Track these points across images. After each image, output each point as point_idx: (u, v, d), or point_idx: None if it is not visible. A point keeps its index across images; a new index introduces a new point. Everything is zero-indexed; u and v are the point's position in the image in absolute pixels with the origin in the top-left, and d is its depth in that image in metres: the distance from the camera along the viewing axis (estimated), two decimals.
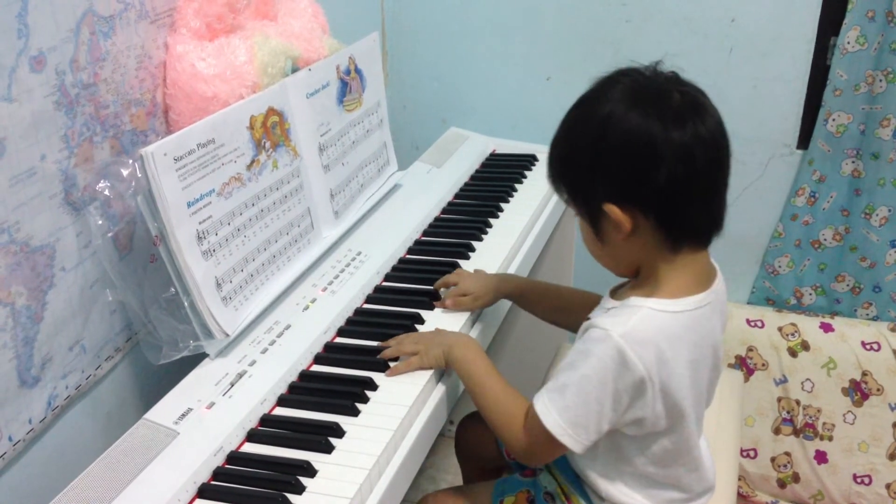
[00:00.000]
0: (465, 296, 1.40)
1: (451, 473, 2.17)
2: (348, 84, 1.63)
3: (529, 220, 1.73)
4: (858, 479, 2.05)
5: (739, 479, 2.10)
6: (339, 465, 1.07)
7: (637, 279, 1.13)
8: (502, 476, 1.47)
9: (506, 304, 1.53)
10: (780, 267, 2.14)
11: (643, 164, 1.03)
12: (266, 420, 1.16)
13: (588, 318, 1.15)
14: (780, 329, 2.08)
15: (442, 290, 1.45)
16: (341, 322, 1.37)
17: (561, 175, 1.14)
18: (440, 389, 1.24)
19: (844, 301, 2.12)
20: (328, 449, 1.10)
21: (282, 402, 1.20)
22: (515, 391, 1.19)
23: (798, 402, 2.08)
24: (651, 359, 1.04)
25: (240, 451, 1.11)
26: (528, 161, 2.02)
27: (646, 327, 1.05)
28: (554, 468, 1.29)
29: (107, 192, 1.19)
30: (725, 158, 1.07)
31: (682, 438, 1.13)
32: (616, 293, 1.16)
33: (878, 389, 2.02)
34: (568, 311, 1.37)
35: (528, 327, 2.07)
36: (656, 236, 1.06)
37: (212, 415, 1.14)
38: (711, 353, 1.13)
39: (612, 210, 1.05)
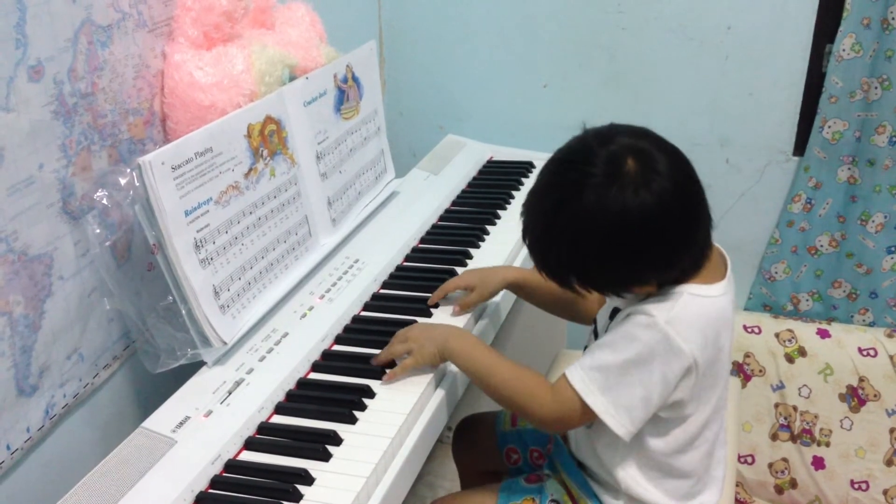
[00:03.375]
0: (469, 290, 1.40)
1: (450, 480, 2.17)
2: (345, 92, 1.64)
3: None
4: (856, 485, 2.06)
5: (737, 485, 2.10)
6: (336, 473, 1.07)
7: None
8: (501, 479, 1.47)
9: (504, 309, 1.53)
10: (776, 273, 2.15)
11: (651, 252, 1.06)
12: (264, 428, 1.16)
13: (618, 309, 1.17)
14: (777, 335, 2.09)
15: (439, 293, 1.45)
16: (339, 330, 1.38)
17: (566, 280, 1.14)
18: (438, 396, 1.25)
19: (841, 307, 2.12)
20: (326, 457, 1.10)
21: (279, 410, 1.20)
22: (524, 366, 1.20)
23: (795, 408, 2.09)
24: (697, 343, 1.08)
25: (237, 459, 1.11)
26: (526, 168, 2.03)
27: (689, 312, 1.09)
28: (564, 474, 1.29)
29: (105, 201, 1.20)
30: (694, 179, 1.10)
31: (704, 422, 1.16)
32: None
33: (875, 395, 2.02)
34: (568, 302, 1.38)
35: (526, 335, 2.08)
36: (683, 275, 1.11)
37: (209, 423, 1.14)
38: (732, 338, 1.17)
39: (640, 289, 1.11)
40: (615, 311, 1.18)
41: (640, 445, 1.16)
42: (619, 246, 1.06)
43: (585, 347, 1.28)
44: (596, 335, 1.25)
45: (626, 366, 1.08)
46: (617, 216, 1.04)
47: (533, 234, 1.13)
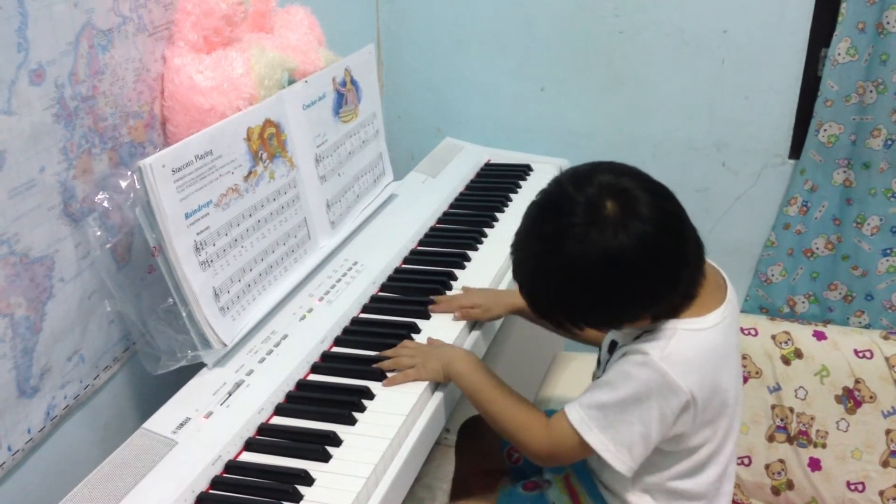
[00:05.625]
0: (474, 308, 1.41)
1: (448, 482, 2.17)
2: (344, 95, 1.64)
3: None
4: (852, 486, 2.06)
5: (734, 487, 2.11)
6: (336, 474, 1.08)
7: None
8: (500, 480, 1.48)
9: None
10: (773, 275, 2.16)
11: (638, 288, 1.06)
12: (264, 429, 1.17)
13: (615, 342, 1.18)
14: (773, 337, 2.10)
15: (436, 297, 1.46)
16: (338, 332, 1.38)
17: (556, 317, 1.15)
18: (437, 398, 1.25)
19: (837, 309, 2.13)
20: (325, 458, 1.11)
21: (279, 411, 1.21)
22: (523, 398, 1.22)
23: (792, 410, 2.09)
24: (693, 379, 1.08)
25: (238, 460, 1.12)
26: (523, 171, 2.04)
27: (684, 349, 1.09)
28: (572, 475, 1.30)
29: (105, 204, 1.20)
30: (677, 210, 1.09)
31: (716, 449, 1.16)
32: None
33: (871, 397, 2.03)
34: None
35: (524, 337, 2.08)
36: (676, 302, 1.10)
37: (210, 424, 1.14)
38: (736, 362, 1.17)
39: (636, 322, 1.11)
40: (613, 344, 1.19)
41: (648, 474, 1.17)
42: (605, 289, 1.06)
43: (594, 373, 1.29)
44: (599, 362, 1.26)
45: (624, 404, 1.09)
46: (600, 261, 1.04)
47: (521, 275, 1.14)
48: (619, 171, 1.09)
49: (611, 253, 1.03)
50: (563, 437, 1.13)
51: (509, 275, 1.61)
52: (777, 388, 2.10)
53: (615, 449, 1.10)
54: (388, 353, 1.29)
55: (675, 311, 1.10)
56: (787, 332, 2.09)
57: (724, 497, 1.24)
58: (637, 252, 1.03)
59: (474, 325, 1.44)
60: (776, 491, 2.12)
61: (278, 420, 1.19)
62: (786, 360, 2.09)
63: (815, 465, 2.08)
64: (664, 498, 1.19)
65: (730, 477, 1.23)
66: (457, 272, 1.57)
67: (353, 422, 1.17)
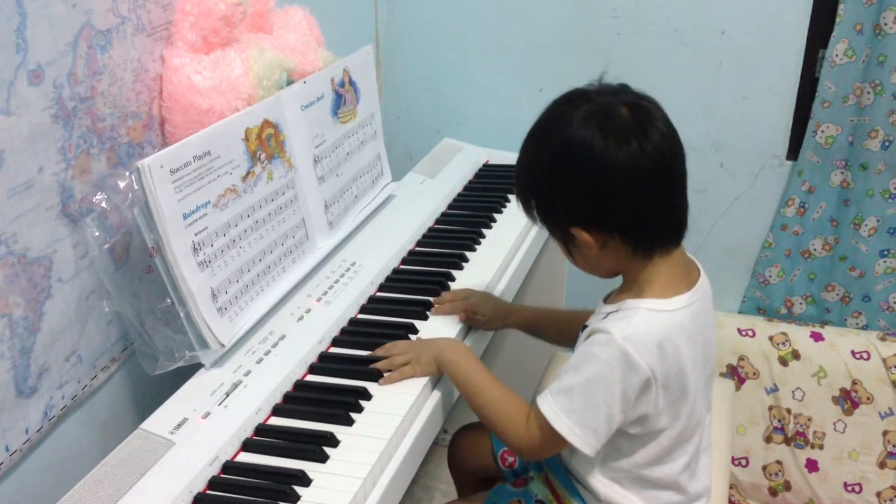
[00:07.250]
0: (479, 315, 1.41)
1: (445, 482, 2.18)
2: (343, 96, 1.64)
3: (522, 230, 1.75)
4: (849, 487, 2.07)
5: (731, 488, 2.11)
6: (333, 475, 1.08)
7: (624, 282, 1.18)
8: (496, 485, 1.48)
9: None
10: (770, 276, 2.16)
11: (597, 190, 1.09)
12: (261, 429, 1.17)
13: (586, 326, 1.18)
14: (770, 338, 2.10)
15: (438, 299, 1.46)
16: (336, 332, 1.38)
17: (527, 200, 1.19)
18: (434, 398, 1.25)
19: (834, 310, 2.14)
20: (323, 458, 1.11)
21: (277, 411, 1.21)
22: (510, 390, 1.22)
23: (789, 411, 2.10)
24: (654, 357, 1.09)
25: (235, 460, 1.12)
26: None
27: (646, 328, 1.09)
28: (550, 473, 1.30)
29: (103, 204, 1.20)
30: (677, 165, 1.12)
31: (679, 436, 1.17)
32: (608, 298, 1.20)
33: (868, 398, 2.03)
34: (573, 339, 1.39)
35: (522, 338, 2.08)
36: (626, 248, 1.12)
37: (207, 424, 1.14)
38: (703, 350, 1.17)
39: (578, 233, 1.12)
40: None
41: (614, 461, 1.18)
42: (567, 177, 1.10)
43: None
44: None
45: (588, 385, 1.10)
46: (580, 164, 1.08)
47: (521, 150, 1.19)
48: (647, 97, 1.14)
49: (592, 166, 1.07)
50: (540, 428, 1.14)
51: (508, 276, 1.62)
52: (774, 389, 2.11)
53: (581, 433, 1.11)
54: (378, 352, 1.29)
55: (640, 289, 1.12)
56: (784, 334, 2.10)
57: (702, 493, 1.23)
58: (619, 164, 1.06)
59: (472, 326, 1.45)
60: (773, 492, 2.13)
61: (276, 421, 1.19)
62: (783, 362, 2.09)
63: (812, 466, 2.09)
64: (632, 485, 1.20)
65: (704, 470, 1.23)
66: (455, 273, 1.57)
67: (350, 422, 1.17)
